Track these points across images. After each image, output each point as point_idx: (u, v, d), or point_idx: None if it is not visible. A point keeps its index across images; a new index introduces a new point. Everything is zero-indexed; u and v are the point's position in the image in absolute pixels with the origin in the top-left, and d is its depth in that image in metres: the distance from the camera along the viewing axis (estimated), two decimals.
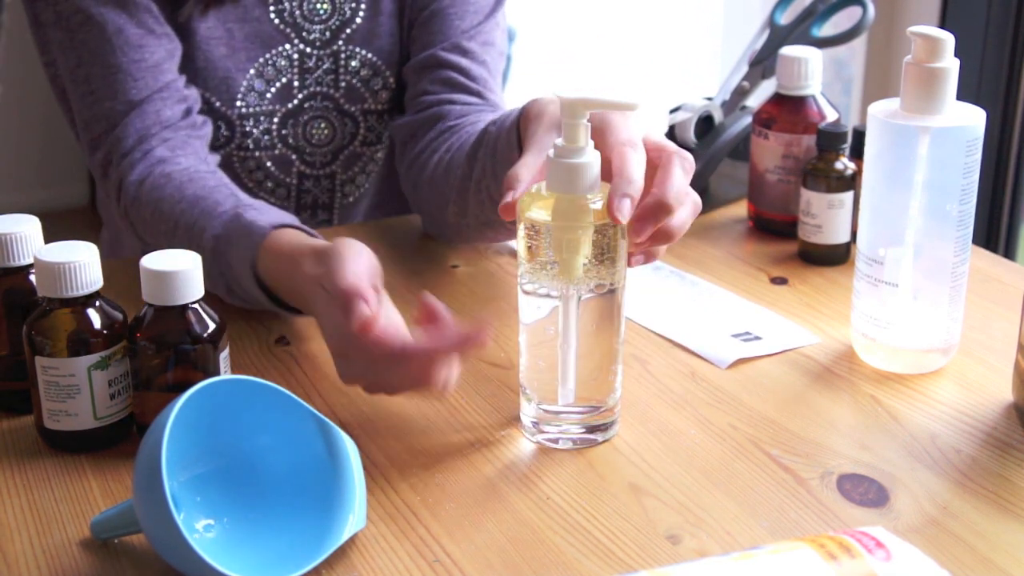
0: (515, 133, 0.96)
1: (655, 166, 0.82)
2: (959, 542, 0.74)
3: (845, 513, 0.76)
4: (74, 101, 1.08)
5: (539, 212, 0.79)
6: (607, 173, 0.80)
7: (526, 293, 0.82)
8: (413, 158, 1.17)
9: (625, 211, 0.77)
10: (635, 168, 0.79)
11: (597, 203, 0.78)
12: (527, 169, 0.84)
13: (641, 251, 0.84)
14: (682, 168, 0.82)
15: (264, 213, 0.96)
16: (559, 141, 0.79)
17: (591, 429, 0.84)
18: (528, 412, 0.85)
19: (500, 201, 0.96)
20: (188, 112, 1.09)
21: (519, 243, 0.81)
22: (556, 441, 0.84)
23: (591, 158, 0.78)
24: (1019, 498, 0.78)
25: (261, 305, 0.97)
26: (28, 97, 3.07)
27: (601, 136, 0.82)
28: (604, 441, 0.84)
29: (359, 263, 0.83)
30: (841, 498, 0.78)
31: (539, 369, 0.83)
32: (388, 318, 0.83)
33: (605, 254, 0.79)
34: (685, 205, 0.83)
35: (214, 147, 1.16)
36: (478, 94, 1.19)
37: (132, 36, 1.06)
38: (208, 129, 1.12)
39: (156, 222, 1.03)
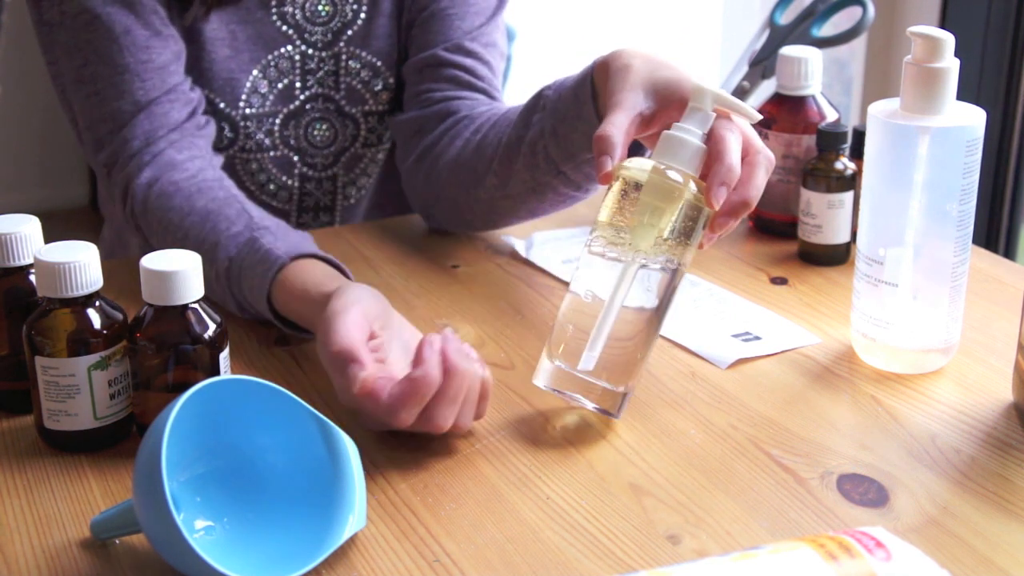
0: (588, 86, 0.96)
1: (742, 158, 0.85)
2: (959, 542, 0.74)
3: (845, 513, 0.76)
4: (78, 100, 1.08)
5: (639, 171, 0.82)
6: None
7: (592, 254, 0.84)
8: (424, 150, 1.16)
9: (722, 198, 0.82)
10: (735, 157, 0.83)
11: (692, 186, 0.82)
12: (617, 129, 0.85)
13: (709, 241, 0.86)
14: (766, 170, 0.86)
15: (280, 238, 0.97)
16: (680, 123, 0.84)
17: (597, 408, 0.85)
18: (546, 369, 0.85)
19: (559, 160, 0.99)
20: (192, 113, 1.09)
21: (605, 203, 0.84)
22: (565, 395, 0.85)
23: (702, 143, 0.83)
24: (1019, 498, 0.78)
25: (266, 321, 0.98)
26: (28, 97, 3.07)
27: None
28: (602, 413, 0.85)
29: (349, 320, 0.82)
30: (841, 498, 0.78)
31: (571, 332, 0.84)
32: (392, 364, 0.84)
33: (682, 234, 0.82)
34: None
35: (218, 149, 1.16)
36: (485, 92, 1.19)
37: (139, 37, 1.06)
38: (211, 129, 1.12)
39: (164, 233, 1.03)
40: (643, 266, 0.82)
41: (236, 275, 0.97)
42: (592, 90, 0.95)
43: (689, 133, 0.83)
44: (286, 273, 0.94)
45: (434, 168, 1.14)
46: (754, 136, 0.87)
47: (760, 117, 0.86)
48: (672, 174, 0.82)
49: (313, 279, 0.92)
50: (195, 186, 1.04)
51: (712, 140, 0.84)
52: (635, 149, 0.96)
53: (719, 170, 0.82)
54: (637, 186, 0.82)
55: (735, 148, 0.83)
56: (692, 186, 0.82)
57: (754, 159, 0.85)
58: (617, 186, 0.83)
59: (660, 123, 0.88)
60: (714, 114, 0.84)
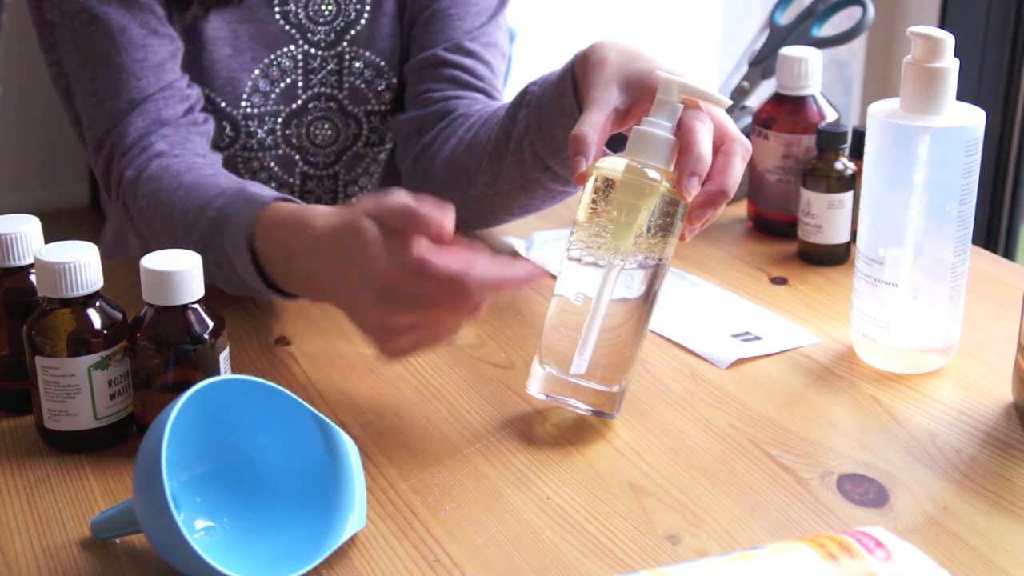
0: (569, 80, 0.95)
1: (716, 147, 0.84)
2: (959, 542, 0.74)
3: (845, 513, 0.76)
4: (79, 101, 1.08)
5: (612, 169, 0.82)
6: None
7: (571, 259, 0.83)
8: (422, 148, 1.16)
9: (693, 189, 0.81)
10: (705, 146, 0.82)
11: (666, 180, 0.81)
12: (592, 128, 0.85)
13: (691, 232, 0.85)
14: (742, 158, 0.85)
15: (267, 190, 0.94)
16: (649, 117, 0.83)
17: (593, 411, 0.85)
18: (538, 375, 0.85)
19: (545, 156, 0.98)
20: (190, 110, 1.09)
21: (581, 203, 0.83)
22: (554, 399, 0.85)
23: (672, 135, 0.82)
24: (1019, 498, 0.78)
25: (247, 286, 0.92)
26: (28, 97, 3.06)
27: None
28: (599, 416, 0.85)
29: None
30: (841, 498, 0.78)
31: (560, 336, 0.84)
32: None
33: (661, 229, 0.82)
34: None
35: (218, 147, 1.16)
36: (484, 92, 1.19)
37: (136, 36, 1.06)
38: (210, 126, 1.11)
39: (153, 211, 1.01)
40: (623, 268, 0.82)
41: (220, 224, 0.92)
42: (574, 84, 0.95)
43: (658, 127, 0.82)
44: (274, 207, 0.89)
45: (430, 167, 1.14)
46: (729, 124, 0.85)
47: (730, 103, 0.85)
48: (646, 170, 0.81)
49: (306, 206, 0.88)
50: (184, 165, 1.02)
51: (681, 131, 0.83)
52: (620, 143, 0.96)
53: (688, 160, 0.81)
54: (612, 185, 0.81)
55: (704, 137, 0.82)
56: (666, 180, 0.81)
57: (729, 147, 0.84)
58: (591, 185, 0.83)
59: (637, 116, 0.87)
60: (682, 105, 0.83)
